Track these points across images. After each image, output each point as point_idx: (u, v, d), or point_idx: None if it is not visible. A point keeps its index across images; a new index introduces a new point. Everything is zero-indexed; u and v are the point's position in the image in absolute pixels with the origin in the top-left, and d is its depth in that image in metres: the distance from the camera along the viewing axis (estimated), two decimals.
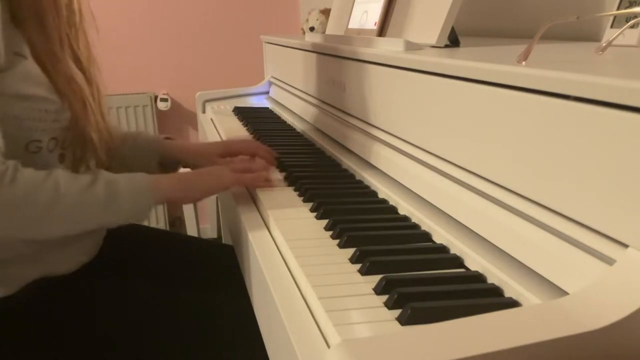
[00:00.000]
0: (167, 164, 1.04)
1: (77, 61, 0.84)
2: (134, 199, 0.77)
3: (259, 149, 1.02)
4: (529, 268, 0.53)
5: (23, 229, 0.71)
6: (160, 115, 2.58)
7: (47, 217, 0.71)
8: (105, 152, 0.88)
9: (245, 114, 1.58)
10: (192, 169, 1.04)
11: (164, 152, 1.04)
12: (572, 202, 0.49)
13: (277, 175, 0.95)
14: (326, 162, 1.02)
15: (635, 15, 0.73)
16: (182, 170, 1.06)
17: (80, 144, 0.83)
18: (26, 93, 0.74)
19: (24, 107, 0.74)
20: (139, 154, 1.03)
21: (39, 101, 0.76)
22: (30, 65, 0.75)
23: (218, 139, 1.36)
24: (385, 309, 0.51)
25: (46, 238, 0.76)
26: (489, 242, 0.59)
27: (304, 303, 0.55)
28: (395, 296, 0.51)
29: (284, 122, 1.46)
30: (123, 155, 1.00)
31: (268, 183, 0.90)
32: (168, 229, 2.64)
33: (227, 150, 1.03)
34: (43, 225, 0.72)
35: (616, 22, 0.81)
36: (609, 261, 0.45)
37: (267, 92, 1.88)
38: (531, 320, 0.40)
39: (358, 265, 0.60)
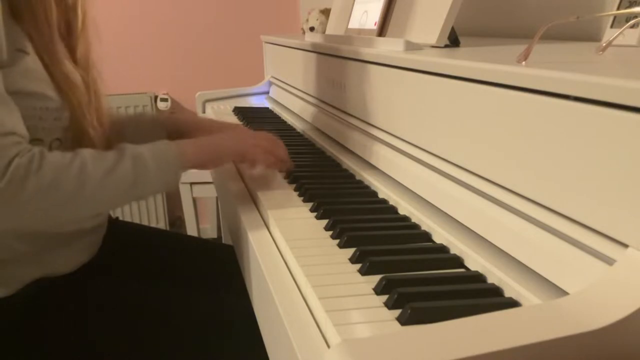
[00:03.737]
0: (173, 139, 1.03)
1: (75, 65, 0.84)
2: (162, 169, 0.77)
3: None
4: (529, 268, 0.53)
5: (54, 212, 0.71)
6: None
7: (76, 201, 0.71)
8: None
9: (245, 114, 1.58)
10: None
11: (170, 128, 1.02)
12: (572, 202, 0.49)
13: (277, 175, 0.95)
14: (326, 162, 1.02)
15: (635, 15, 0.73)
16: None
17: (80, 144, 0.83)
18: (27, 90, 0.74)
19: (26, 106, 0.74)
20: (145, 134, 1.01)
21: (39, 99, 0.76)
22: (31, 62, 0.75)
23: None
24: (385, 309, 0.51)
25: (78, 219, 0.76)
26: (489, 242, 0.59)
27: (304, 303, 0.55)
28: (395, 296, 0.51)
29: (284, 122, 1.45)
30: (129, 136, 0.99)
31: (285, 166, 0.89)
32: (168, 229, 2.64)
33: None
34: (73, 208, 0.72)
35: (616, 22, 0.81)
36: (609, 261, 0.45)
37: (267, 92, 1.88)
38: (531, 320, 0.40)
39: (358, 265, 0.60)
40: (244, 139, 0.88)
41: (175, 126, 1.02)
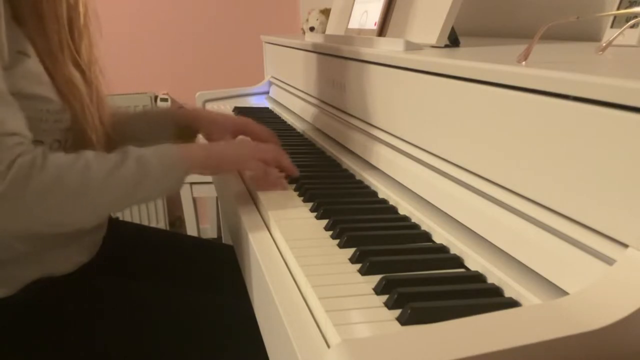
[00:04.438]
0: (183, 134, 1.02)
1: (77, 64, 0.84)
2: (166, 174, 0.77)
3: (271, 138, 1.00)
4: (529, 268, 0.53)
5: (56, 214, 0.71)
6: None
7: (79, 200, 0.71)
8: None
9: (245, 114, 1.57)
10: (205, 137, 1.02)
11: (178, 121, 1.02)
12: (572, 202, 0.49)
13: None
14: (326, 162, 1.02)
15: (635, 15, 0.73)
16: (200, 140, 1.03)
17: (80, 145, 0.83)
18: (28, 92, 0.74)
19: (26, 107, 0.74)
20: (154, 128, 1.01)
21: (40, 101, 0.76)
22: (32, 64, 0.75)
23: None
24: (385, 309, 0.51)
25: (80, 220, 0.75)
26: (489, 242, 0.59)
27: (304, 303, 0.55)
28: (395, 296, 0.51)
29: (284, 122, 1.45)
30: (137, 131, 0.99)
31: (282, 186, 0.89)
32: (168, 229, 2.64)
33: (242, 130, 1.01)
34: (76, 209, 0.72)
35: (616, 22, 0.81)
36: (609, 261, 0.45)
37: (267, 92, 1.88)
38: (531, 320, 0.40)
39: (358, 265, 0.60)
40: (247, 153, 0.86)
41: (189, 121, 1.02)
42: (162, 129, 1.00)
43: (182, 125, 1.01)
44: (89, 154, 0.73)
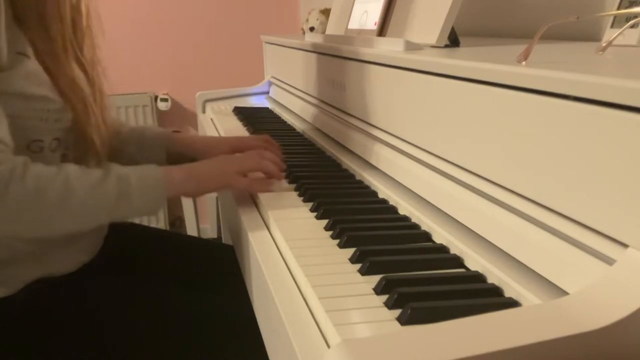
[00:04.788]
0: (174, 159, 1.01)
1: (80, 64, 0.84)
2: (146, 193, 0.77)
3: (268, 144, 1.00)
4: (529, 268, 0.53)
5: (35, 226, 0.71)
6: (160, 115, 2.58)
7: (58, 214, 0.71)
8: (107, 153, 0.88)
9: (245, 114, 1.58)
10: None
11: (171, 147, 1.02)
12: (572, 202, 0.49)
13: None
14: (326, 162, 1.02)
15: (635, 15, 0.73)
16: None
17: (82, 145, 0.83)
18: (28, 92, 0.74)
19: (26, 107, 0.74)
20: (147, 149, 1.01)
21: (40, 101, 0.76)
22: (32, 65, 0.75)
23: None
24: (385, 309, 0.51)
25: (57, 234, 0.75)
26: (489, 242, 0.59)
27: (304, 303, 0.55)
28: (395, 296, 0.51)
29: (284, 122, 1.46)
30: (130, 151, 0.99)
31: (277, 177, 0.88)
32: (168, 229, 2.64)
33: (236, 148, 1.01)
34: (54, 222, 0.71)
35: (616, 22, 0.81)
36: (609, 261, 0.45)
37: (267, 92, 1.88)
38: (531, 320, 0.40)
39: (358, 265, 0.60)
40: (228, 170, 0.85)
41: (179, 147, 1.02)
42: (154, 153, 1.01)
43: (175, 152, 1.02)
44: (70, 168, 0.73)
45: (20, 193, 0.67)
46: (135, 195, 0.75)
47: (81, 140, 0.82)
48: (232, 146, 1.02)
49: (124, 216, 0.79)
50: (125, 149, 0.98)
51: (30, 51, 0.75)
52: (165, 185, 0.78)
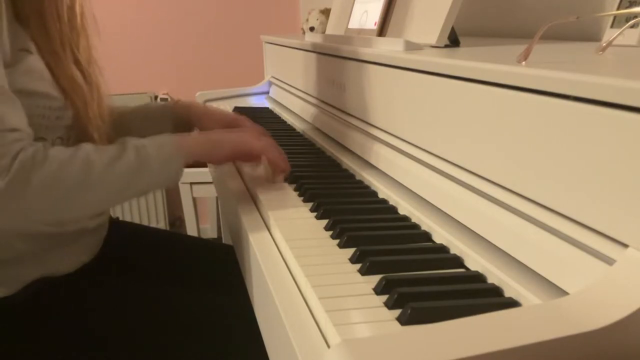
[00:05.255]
0: (181, 130, 1.00)
1: (77, 62, 0.84)
2: (164, 159, 0.77)
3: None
4: (529, 268, 0.53)
5: (60, 206, 0.71)
6: None
7: (82, 190, 0.71)
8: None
9: (245, 114, 1.57)
10: (198, 129, 1.02)
11: (175, 115, 1.02)
12: (572, 202, 0.49)
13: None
14: (326, 162, 1.02)
15: (635, 15, 0.73)
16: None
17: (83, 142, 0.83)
18: (30, 89, 0.75)
19: (28, 104, 0.74)
20: (152, 121, 1.02)
21: (42, 98, 0.76)
22: (34, 61, 0.76)
23: None
24: (385, 309, 0.51)
25: (83, 213, 0.76)
26: (489, 242, 0.59)
27: (304, 303, 0.55)
28: (395, 296, 0.51)
29: (284, 122, 1.45)
30: (136, 125, 1.00)
31: (283, 172, 0.88)
32: (168, 229, 2.64)
33: (233, 125, 1.00)
34: (80, 199, 0.72)
35: (616, 22, 0.81)
36: (609, 261, 0.45)
37: (267, 92, 1.88)
38: (531, 320, 0.40)
39: (358, 265, 0.60)
40: (245, 135, 0.87)
41: (185, 114, 1.02)
42: (159, 123, 1.01)
43: (178, 119, 1.02)
44: (88, 147, 0.73)
45: (44, 177, 0.68)
46: (154, 162, 0.76)
47: (82, 138, 0.83)
48: (229, 120, 1.02)
49: (146, 187, 0.79)
50: (132, 125, 0.99)
51: (33, 47, 0.76)
52: (183, 150, 0.79)
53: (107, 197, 0.75)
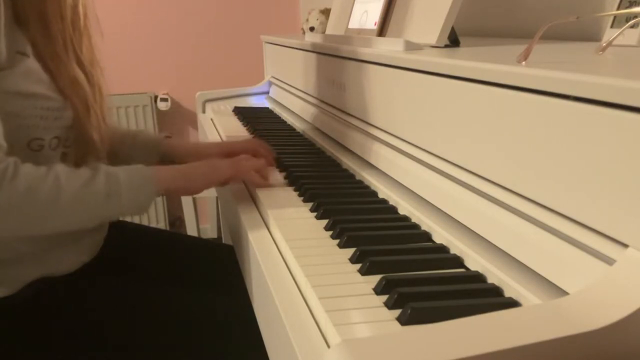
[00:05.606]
0: (166, 164, 1.03)
1: (80, 63, 0.84)
2: (135, 191, 0.77)
3: (260, 148, 1.02)
4: (529, 268, 0.53)
5: (27, 226, 0.71)
6: (160, 115, 2.58)
7: (49, 212, 0.71)
8: (106, 151, 0.88)
9: (245, 114, 1.58)
10: None
11: (163, 152, 1.03)
12: (572, 202, 0.49)
13: (277, 175, 0.95)
14: (326, 162, 1.02)
15: (635, 15, 0.73)
16: None
17: (82, 144, 0.83)
18: (27, 91, 0.75)
19: (26, 105, 0.74)
20: (139, 153, 1.02)
21: (40, 99, 0.76)
22: (31, 63, 0.76)
23: (218, 139, 1.36)
24: (385, 309, 0.51)
25: (49, 233, 0.75)
26: (489, 242, 0.59)
27: (304, 303, 0.55)
28: (395, 296, 0.51)
29: (284, 122, 1.46)
30: (123, 155, 1.00)
31: (266, 182, 0.89)
32: (168, 228, 2.64)
33: (227, 151, 1.02)
34: (46, 221, 0.72)
35: (616, 22, 0.81)
36: (609, 261, 0.45)
37: (267, 92, 1.88)
38: (531, 320, 0.40)
39: (358, 265, 0.60)
40: (219, 162, 0.88)
41: (169, 153, 1.03)
42: (146, 156, 1.02)
43: (165, 158, 1.02)
44: (59, 168, 0.73)
45: (12, 193, 0.67)
46: (125, 192, 0.76)
47: (81, 138, 0.83)
48: (222, 151, 1.02)
49: (114, 214, 0.79)
50: (118, 150, 0.99)
51: (29, 50, 0.76)
52: (154, 182, 0.79)
53: (74, 220, 0.75)
